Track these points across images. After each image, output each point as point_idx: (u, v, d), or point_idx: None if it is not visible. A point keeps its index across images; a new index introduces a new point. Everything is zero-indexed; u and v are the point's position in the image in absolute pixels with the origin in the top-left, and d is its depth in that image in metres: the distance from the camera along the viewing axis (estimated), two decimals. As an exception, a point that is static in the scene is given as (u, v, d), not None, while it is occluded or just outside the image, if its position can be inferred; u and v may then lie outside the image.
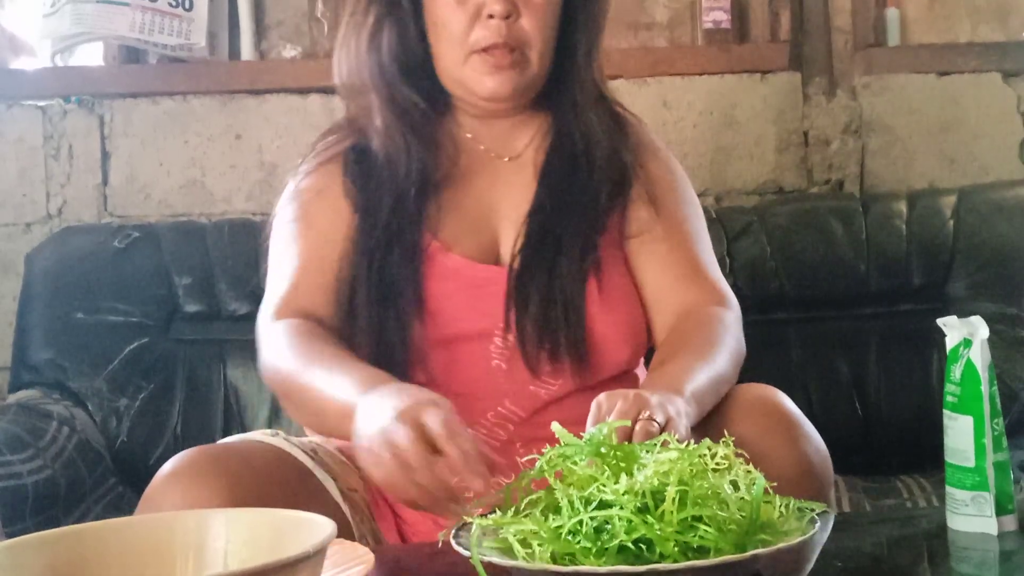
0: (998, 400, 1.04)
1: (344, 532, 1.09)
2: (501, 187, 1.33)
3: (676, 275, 1.30)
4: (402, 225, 1.27)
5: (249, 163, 2.09)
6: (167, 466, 1.12)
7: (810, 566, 0.91)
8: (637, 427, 0.98)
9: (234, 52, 2.11)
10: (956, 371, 1.05)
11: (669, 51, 2.14)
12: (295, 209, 1.33)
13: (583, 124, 1.32)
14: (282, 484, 1.14)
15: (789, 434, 1.14)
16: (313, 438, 1.34)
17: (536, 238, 1.28)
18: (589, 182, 1.31)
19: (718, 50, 2.11)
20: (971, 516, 1.03)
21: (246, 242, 1.89)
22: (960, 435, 1.04)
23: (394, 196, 1.28)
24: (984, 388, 1.03)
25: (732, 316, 1.29)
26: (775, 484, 0.91)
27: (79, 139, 2.08)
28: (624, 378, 1.33)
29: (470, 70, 1.27)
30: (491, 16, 1.25)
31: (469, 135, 1.35)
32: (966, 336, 1.05)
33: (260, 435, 1.26)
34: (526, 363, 1.24)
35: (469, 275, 1.27)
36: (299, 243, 1.30)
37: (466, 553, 0.89)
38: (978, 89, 2.16)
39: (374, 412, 1.03)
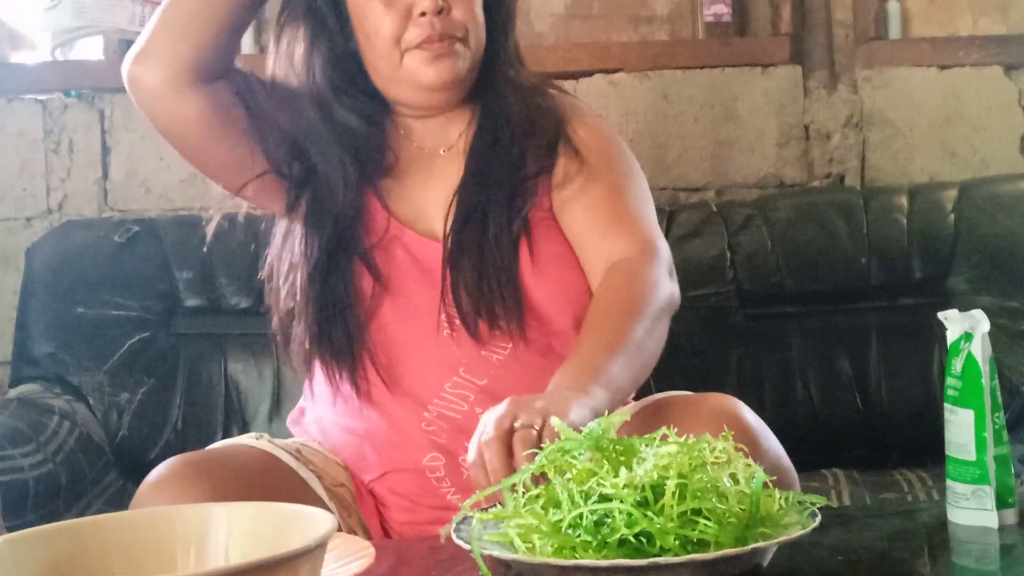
0: (999, 394, 1.04)
1: None
2: (435, 178, 1.36)
3: (601, 226, 1.31)
4: (343, 235, 1.31)
5: (249, 157, 2.08)
6: (151, 475, 1.15)
7: (769, 555, 0.91)
8: (515, 437, 0.99)
9: (234, 46, 2.11)
10: (957, 365, 1.05)
11: (670, 44, 2.13)
12: None
13: (504, 104, 1.36)
14: (265, 485, 1.18)
15: (747, 447, 1.14)
16: (297, 439, 1.37)
17: (464, 214, 1.31)
18: (510, 156, 1.34)
19: (719, 43, 2.11)
20: (972, 510, 1.03)
21: (246, 237, 1.89)
22: (961, 429, 1.04)
23: (335, 209, 1.32)
24: (985, 382, 1.03)
25: (658, 269, 1.28)
26: (774, 477, 0.91)
27: (79, 133, 2.07)
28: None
29: (408, 66, 1.30)
30: (423, 14, 1.28)
31: (404, 135, 1.38)
32: (967, 330, 1.05)
33: (245, 439, 1.30)
34: (467, 331, 1.28)
35: (416, 250, 1.32)
36: None
37: (467, 547, 0.89)
38: (979, 82, 2.16)
39: None
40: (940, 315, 1.08)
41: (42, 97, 2.08)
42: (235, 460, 1.21)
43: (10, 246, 2.05)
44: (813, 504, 0.93)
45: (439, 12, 1.28)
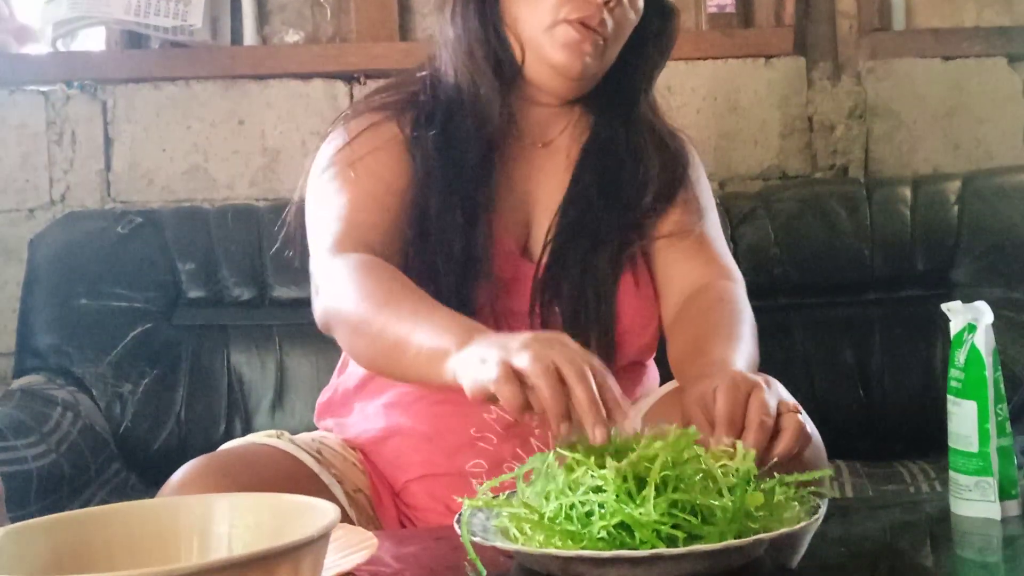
0: (1002, 385, 1.04)
1: None
2: (535, 173, 1.34)
3: (683, 254, 1.32)
4: (467, 185, 1.27)
5: (252, 148, 2.08)
6: (176, 476, 1.13)
7: (803, 550, 0.91)
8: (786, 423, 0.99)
9: (236, 37, 2.11)
10: (960, 356, 1.05)
11: (673, 36, 2.13)
12: (346, 158, 1.29)
13: (633, 128, 1.34)
14: (290, 490, 1.14)
15: None
16: (316, 434, 1.34)
17: (569, 231, 1.29)
18: (632, 182, 1.32)
19: (722, 35, 2.11)
20: (974, 501, 1.03)
21: (249, 228, 1.89)
22: (964, 420, 1.04)
23: (465, 153, 1.28)
24: (988, 373, 1.03)
25: (742, 291, 1.30)
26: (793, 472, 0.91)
27: (82, 125, 2.07)
28: (638, 367, 1.35)
29: (553, 36, 1.26)
30: None
31: (508, 121, 1.33)
32: (970, 321, 1.05)
33: (264, 437, 1.27)
34: None
35: (511, 262, 1.29)
36: (355, 187, 1.26)
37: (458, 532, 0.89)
38: (983, 74, 2.15)
39: (485, 352, 0.97)
40: (943, 307, 1.08)
41: (44, 89, 2.07)
42: (258, 464, 1.18)
43: (13, 238, 2.05)
44: (816, 497, 0.93)
45: (608, 4, 1.25)
